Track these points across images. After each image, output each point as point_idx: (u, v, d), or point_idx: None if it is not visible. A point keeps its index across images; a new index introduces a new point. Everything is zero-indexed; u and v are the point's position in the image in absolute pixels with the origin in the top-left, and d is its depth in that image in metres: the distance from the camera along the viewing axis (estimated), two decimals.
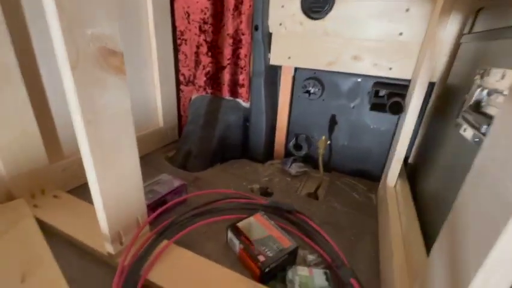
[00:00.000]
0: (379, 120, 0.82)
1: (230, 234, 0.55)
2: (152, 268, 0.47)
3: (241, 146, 1.00)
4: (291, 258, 0.52)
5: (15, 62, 0.54)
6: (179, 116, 1.11)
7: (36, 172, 0.63)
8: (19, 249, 0.47)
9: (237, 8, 0.84)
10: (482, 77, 0.44)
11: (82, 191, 0.71)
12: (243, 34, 0.87)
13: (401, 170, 0.69)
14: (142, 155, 0.96)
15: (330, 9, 0.74)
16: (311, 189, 0.82)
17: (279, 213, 0.65)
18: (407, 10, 0.66)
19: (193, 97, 1.04)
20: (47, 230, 0.54)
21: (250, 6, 0.83)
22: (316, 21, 0.77)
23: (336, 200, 0.77)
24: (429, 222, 0.52)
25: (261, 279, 0.47)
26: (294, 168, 0.88)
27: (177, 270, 0.48)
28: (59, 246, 0.51)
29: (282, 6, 0.80)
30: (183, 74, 1.04)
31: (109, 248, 0.49)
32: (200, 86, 1.00)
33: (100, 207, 0.44)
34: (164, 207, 0.60)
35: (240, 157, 1.01)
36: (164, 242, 0.53)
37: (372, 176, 0.88)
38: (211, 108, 0.99)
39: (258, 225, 0.56)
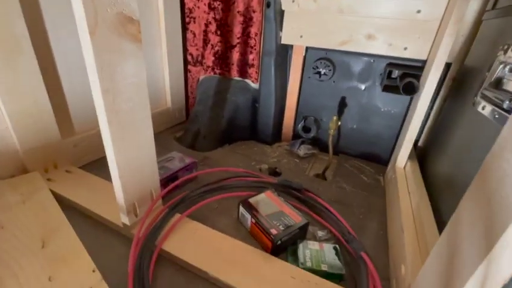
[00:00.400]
0: (390, 103, 0.81)
1: (242, 209, 0.56)
2: (167, 239, 0.49)
3: (249, 128, 1.00)
4: (301, 233, 0.53)
5: (26, 33, 0.54)
6: (187, 97, 1.11)
7: (49, 146, 0.63)
8: (37, 218, 0.49)
9: None
10: (505, 53, 0.43)
11: (93, 167, 0.72)
12: (254, 11, 0.84)
13: (411, 152, 0.69)
14: None
15: None
16: (319, 171, 0.83)
17: (288, 191, 0.66)
18: None
19: (201, 78, 1.03)
20: (61, 202, 0.55)
21: None
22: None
23: (344, 181, 0.77)
24: (441, 202, 0.53)
25: (273, 251, 0.49)
26: (303, 150, 0.88)
27: (191, 242, 0.49)
28: (74, 218, 0.52)
29: None
30: (191, 54, 1.03)
31: (124, 219, 0.50)
32: (208, 66, 0.99)
33: (117, 177, 0.44)
34: (176, 182, 0.61)
35: (248, 138, 1.01)
36: (177, 216, 0.54)
37: (381, 160, 0.88)
38: (220, 88, 0.98)
39: (269, 202, 0.57)
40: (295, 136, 0.98)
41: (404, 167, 0.70)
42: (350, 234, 0.52)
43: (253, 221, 0.53)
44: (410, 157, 0.70)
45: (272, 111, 0.94)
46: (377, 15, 0.71)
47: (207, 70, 1.00)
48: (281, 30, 0.84)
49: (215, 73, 0.99)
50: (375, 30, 0.73)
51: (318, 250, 0.50)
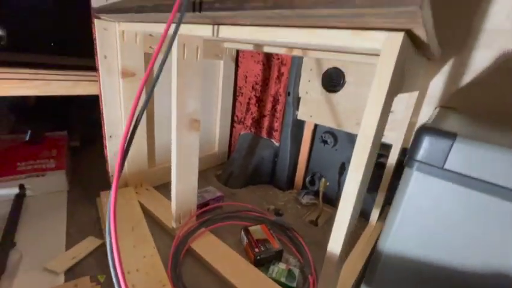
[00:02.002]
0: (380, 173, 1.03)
1: (242, 233, 0.85)
2: (194, 241, 0.81)
3: (270, 175, 1.31)
4: (277, 256, 0.79)
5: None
6: (230, 145, 1.49)
7: (140, 172, 1.06)
8: (130, 214, 0.87)
9: (278, 78, 1.19)
10: None
11: (161, 188, 1.12)
12: (280, 95, 1.20)
13: (381, 213, 0.89)
14: (200, 170, 1.36)
15: (341, 88, 1.02)
16: (313, 218, 1.06)
17: (280, 228, 0.93)
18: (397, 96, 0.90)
19: (242, 133, 1.42)
20: (142, 207, 0.94)
21: (287, 78, 1.16)
22: (331, 94, 1.05)
23: (330, 229, 0.99)
24: None
25: (255, 263, 0.76)
26: (305, 199, 1.14)
27: (207, 246, 0.80)
28: (147, 218, 0.90)
29: (309, 81, 1.11)
30: (237, 116, 1.43)
31: (173, 224, 0.84)
32: (247, 126, 1.37)
33: (174, 196, 0.80)
34: (206, 208, 0.95)
35: (268, 183, 1.31)
36: (203, 229, 0.86)
37: (366, 215, 1.06)
38: (252, 143, 1.33)
39: (261, 231, 0.85)
40: (305, 186, 1.25)
41: (375, 226, 0.90)
42: (309, 264, 0.76)
43: (247, 241, 0.82)
44: (380, 217, 0.90)
45: (287, 165, 1.24)
46: (363, 110, 0.98)
47: (246, 128, 1.39)
48: (297, 109, 1.18)
49: (251, 131, 1.36)
50: (361, 119, 1.00)
51: (284, 269, 0.75)
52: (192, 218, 0.88)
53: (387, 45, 0.36)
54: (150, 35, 0.93)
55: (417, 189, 0.38)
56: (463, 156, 0.34)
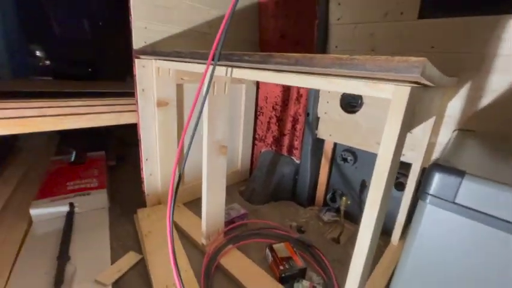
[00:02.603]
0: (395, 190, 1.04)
1: (267, 251, 0.91)
2: (223, 257, 0.87)
3: (290, 191, 1.36)
4: (300, 274, 0.83)
5: (175, 135, 1.09)
6: (252, 162, 1.56)
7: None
8: (165, 231, 0.96)
9: (297, 99, 1.26)
10: None
11: (190, 205, 1.20)
12: (299, 115, 1.26)
13: (402, 233, 0.91)
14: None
15: (359, 109, 1.06)
16: (335, 235, 1.09)
17: (303, 245, 0.97)
18: None
19: (263, 150, 1.48)
20: (175, 224, 1.02)
21: (305, 99, 1.22)
22: (350, 115, 1.10)
23: (353, 247, 1.02)
24: None
25: (279, 280, 0.81)
26: (327, 216, 1.17)
27: (235, 262, 0.86)
28: (179, 234, 0.98)
29: (327, 102, 1.16)
30: (258, 134, 1.51)
31: (203, 241, 0.92)
32: (268, 144, 1.44)
33: (204, 215, 0.88)
34: (233, 225, 1.02)
35: (289, 199, 1.35)
36: (230, 246, 0.93)
37: (389, 232, 1.07)
38: (273, 160, 1.39)
39: (285, 249, 0.90)
40: (326, 203, 1.28)
41: (397, 244, 0.92)
42: (333, 281, 0.79)
43: (272, 259, 0.87)
44: (401, 237, 0.91)
45: (307, 182, 1.28)
46: (381, 130, 1.01)
47: (267, 146, 1.45)
48: (317, 129, 1.23)
49: (272, 149, 1.42)
50: (380, 139, 1.03)
51: (307, 287, 0.79)
52: (220, 235, 0.95)
53: (397, 95, 0.41)
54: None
55: (430, 220, 0.41)
56: (471, 192, 0.37)
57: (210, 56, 0.59)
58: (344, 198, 1.03)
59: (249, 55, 0.52)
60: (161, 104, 1.01)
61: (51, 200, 1.04)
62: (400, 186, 0.90)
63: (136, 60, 0.91)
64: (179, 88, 1.06)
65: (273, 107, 1.38)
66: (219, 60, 0.59)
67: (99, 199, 1.12)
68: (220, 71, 0.69)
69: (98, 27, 2.25)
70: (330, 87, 0.47)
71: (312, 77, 0.49)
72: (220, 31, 0.58)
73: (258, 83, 1.42)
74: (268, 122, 1.42)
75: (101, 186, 1.17)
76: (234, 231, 1.01)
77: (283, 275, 0.80)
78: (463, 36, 0.79)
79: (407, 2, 0.86)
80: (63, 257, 0.81)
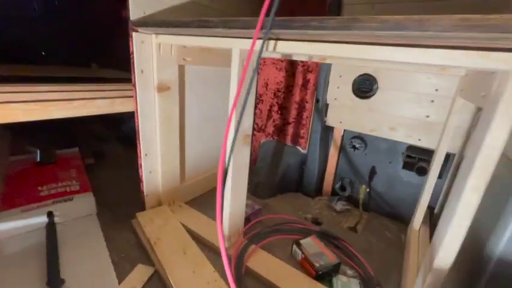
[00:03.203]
0: (411, 175, 1.05)
1: (295, 247, 0.84)
2: (249, 260, 0.78)
3: (296, 182, 1.30)
4: (335, 269, 0.78)
5: (177, 116, 0.95)
6: (250, 153, 1.47)
7: (173, 189, 1.01)
8: (177, 236, 0.83)
9: (304, 85, 1.19)
10: None
11: (193, 203, 1.07)
12: (306, 102, 1.20)
13: (424, 217, 0.91)
14: None
15: (374, 94, 1.03)
16: (352, 224, 1.07)
17: (326, 238, 0.92)
18: (432, 101, 0.92)
19: (262, 141, 1.39)
20: (184, 227, 0.89)
21: (313, 84, 1.16)
22: (363, 100, 1.06)
23: (371, 235, 1.00)
24: None
25: (315, 278, 0.75)
26: (339, 205, 1.14)
27: (264, 263, 0.77)
28: (191, 236, 0.86)
29: (338, 87, 1.11)
30: (257, 124, 1.41)
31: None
32: (269, 133, 1.35)
33: (227, 216, 0.77)
34: (250, 223, 0.92)
35: (295, 191, 1.30)
36: (253, 246, 0.84)
37: (404, 219, 1.08)
38: (276, 151, 1.32)
39: (313, 244, 0.84)
40: (333, 192, 1.25)
41: (419, 230, 0.92)
42: (370, 274, 0.76)
43: (303, 256, 0.80)
44: (423, 221, 0.92)
45: (316, 172, 1.23)
46: (397, 115, 1.00)
47: (267, 136, 1.37)
48: (326, 116, 1.18)
49: (274, 139, 1.34)
50: (396, 125, 1.01)
51: (346, 282, 0.74)
52: (240, 236, 0.85)
53: None
54: (184, 46, 0.88)
55: None
56: None
57: (259, 24, 0.48)
58: (363, 186, 1.01)
59: (319, 20, 0.43)
60: (162, 88, 0.85)
61: (21, 210, 0.83)
62: (422, 171, 0.90)
63: (134, 34, 0.75)
64: (181, 70, 0.91)
65: (274, 94, 1.29)
66: (272, 29, 0.49)
67: (85, 204, 0.93)
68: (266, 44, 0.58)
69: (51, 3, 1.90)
70: (428, 59, 0.41)
71: (400, 49, 0.42)
72: None
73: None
74: (269, 110, 1.33)
75: (85, 188, 0.98)
76: (252, 229, 0.92)
77: (320, 272, 0.75)
78: None
79: None
80: (55, 282, 0.64)
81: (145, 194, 0.93)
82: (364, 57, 0.45)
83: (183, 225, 0.90)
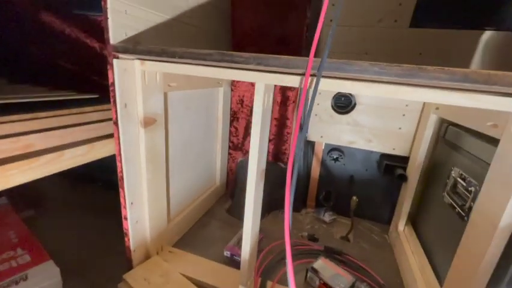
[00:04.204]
0: (385, 181, 1.16)
1: (310, 274, 0.82)
2: None
3: (281, 199, 1.29)
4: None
5: (164, 162, 0.81)
6: (227, 175, 1.39)
7: (161, 233, 0.86)
8: None
9: (283, 102, 1.18)
10: (454, 172, 0.79)
11: (180, 245, 0.94)
12: (287, 119, 1.20)
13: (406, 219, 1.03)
14: (208, 209, 1.21)
15: (352, 109, 1.10)
16: (342, 233, 1.12)
17: (333, 254, 0.94)
18: (404, 115, 1.04)
19: (240, 160, 1.33)
20: (189, 279, 0.77)
21: (293, 101, 1.17)
22: (342, 115, 1.12)
23: (362, 241, 1.08)
24: (433, 259, 0.84)
25: None
26: (327, 216, 1.19)
27: None
28: None
29: (318, 104, 1.15)
30: (232, 142, 1.34)
31: None
32: (247, 151, 1.30)
33: (247, 257, 0.70)
34: (260, 257, 0.87)
35: (281, 208, 1.29)
36: (270, 283, 0.79)
37: (382, 220, 1.20)
38: None
39: (326, 266, 0.84)
40: (318, 203, 1.29)
41: (403, 230, 1.03)
42: (384, 285, 0.81)
43: (322, 282, 0.79)
44: (406, 223, 1.03)
45: (300, 187, 1.25)
46: (373, 127, 1.10)
47: (245, 154, 1.31)
48: (307, 132, 1.20)
49: None
50: (372, 137, 1.11)
51: None
52: (255, 275, 0.79)
53: None
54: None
55: None
56: None
57: (310, 65, 0.44)
58: (353, 198, 1.06)
59: (380, 66, 0.42)
60: (148, 122, 0.71)
61: None
62: (404, 178, 1.01)
63: (115, 62, 0.60)
64: (165, 98, 0.78)
65: (250, 111, 1.25)
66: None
67: (46, 279, 0.71)
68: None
69: None
70: (476, 103, 0.44)
71: (446, 92, 0.45)
72: (320, 22, 0.44)
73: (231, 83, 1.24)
74: (246, 128, 1.28)
75: (39, 257, 0.74)
76: (262, 262, 0.87)
77: None
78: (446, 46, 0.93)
79: (401, 11, 0.93)
80: None
81: (132, 249, 0.76)
82: (425, 100, 0.46)
83: (185, 276, 0.78)
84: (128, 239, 0.75)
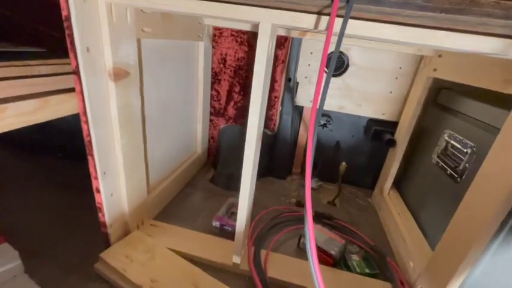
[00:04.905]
0: (370, 147, 1.16)
1: (303, 239, 0.81)
2: (268, 269, 0.70)
3: (266, 167, 1.24)
4: (345, 251, 0.80)
5: (140, 121, 0.69)
6: (209, 141, 1.29)
7: (140, 206, 0.77)
8: (175, 269, 0.65)
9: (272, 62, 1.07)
10: (447, 135, 0.79)
11: (162, 217, 0.87)
12: (275, 81, 1.10)
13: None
14: (189, 180, 1.12)
15: (344, 71, 1.04)
16: (329, 199, 1.12)
17: (321, 220, 0.93)
18: (396, 78, 1.01)
19: (222, 126, 1.24)
20: (176, 253, 0.71)
21: (282, 61, 1.07)
22: (334, 78, 1.06)
23: (348, 205, 1.09)
24: (418, 217, 0.87)
25: (332, 266, 0.75)
26: (313, 183, 1.17)
27: (284, 269, 0.71)
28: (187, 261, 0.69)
29: (309, 65, 1.07)
30: (213, 107, 1.22)
31: (235, 260, 0.69)
32: (229, 117, 1.21)
33: (243, 225, 0.65)
34: (252, 225, 0.82)
35: (265, 175, 1.25)
36: (264, 252, 0.75)
37: (365, 184, 1.22)
38: (241, 137, 1.19)
39: (317, 231, 0.83)
40: (304, 169, 1.27)
41: (388, 194, 1.05)
42: (375, 246, 0.82)
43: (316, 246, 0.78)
44: (391, 187, 1.05)
45: (287, 154, 1.20)
46: (364, 91, 1.06)
47: (228, 120, 1.22)
48: (296, 96, 1.12)
49: (236, 123, 1.21)
50: (363, 101, 1.07)
51: (359, 260, 0.78)
52: (249, 244, 0.75)
53: None
54: (142, 10, 0.61)
55: None
56: None
57: None
58: (342, 163, 1.04)
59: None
60: (120, 74, 0.58)
61: None
62: (393, 143, 1.00)
63: None
64: (138, 47, 0.64)
65: (235, 72, 1.13)
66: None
67: (3, 264, 0.59)
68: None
69: None
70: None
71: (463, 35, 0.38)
72: None
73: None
74: (229, 91, 1.17)
75: None
76: (253, 231, 0.83)
77: (338, 260, 0.75)
78: None
79: None
80: None
81: (108, 225, 0.66)
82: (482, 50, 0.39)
83: (173, 250, 0.72)
84: (103, 214, 0.65)
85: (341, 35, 0.40)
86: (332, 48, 0.43)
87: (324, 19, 0.44)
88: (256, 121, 0.54)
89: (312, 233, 0.43)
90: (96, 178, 0.60)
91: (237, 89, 1.15)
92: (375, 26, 0.42)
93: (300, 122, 1.20)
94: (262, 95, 0.53)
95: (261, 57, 0.49)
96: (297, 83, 1.11)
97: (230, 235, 0.79)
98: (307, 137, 0.40)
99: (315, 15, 0.44)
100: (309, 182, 0.45)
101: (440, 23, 0.37)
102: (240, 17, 0.47)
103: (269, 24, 0.46)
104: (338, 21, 0.42)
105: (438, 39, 0.40)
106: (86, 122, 0.54)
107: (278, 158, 1.22)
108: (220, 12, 0.47)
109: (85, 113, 0.53)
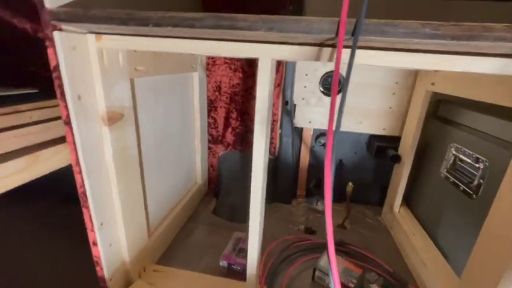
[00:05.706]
0: (374, 163, 1.14)
1: (318, 273, 0.75)
2: None
3: (269, 192, 1.20)
4: (363, 280, 0.75)
5: (137, 163, 0.65)
6: (208, 170, 1.25)
7: (141, 252, 0.71)
8: None
9: None
10: (453, 149, 0.77)
11: (164, 261, 0.81)
12: (273, 105, 1.09)
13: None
14: (192, 213, 1.07)
15: (341, 90, 1.03)
16: (338, 221, 1.07)
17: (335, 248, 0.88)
18: (394, 94, 1.00)
19: (221, 153, 1.20)
20: None
21: (278, 85, 1.06)
22: (330, 97, 1.05)
23: (358, 227, 1.04)
24: (436, 239, 0.83)
25: None
26: (320, 205, 1.13)
27: None
28: None
29: (305, 87, 1.06)
30: (211, 134, 1.19)
31: None
32: (228, 144, 1.18)
33: (255, 264, 0.60)
34: (262, 262, 0.77)
35: (270, 201, 1.20)
36: None
37: (372, 202, 1.18)
38: (243, 163, 1.16)
39: None
40: (308, 192, 1.23)
41: (399, 211, 1.01)
42: (394, 273, 0.77)
43: None
44: (401, 204, 1.02)
45: (290, 177, 1.17)
46: (364, 108, 1.04)
47: (227, 147, 1.19)
48: (294, 117, 1.11)
49: (235, 149, 1.18)
50: (363, 118, 1.06)
51: None
52: (262, 283, 0.69)
53: None
54: (134, 50, 0.59)
55: None
56: None
57: (342, 30, 0.33)
58: (349, 184, 1.01)
59: (433, 27, 0.33)
60: (113, 118, 0.55)
61: None
62: (397, 158, 0.98)
63: (57, 36, 0.42)
64: (132, 86, 0.62)
65: (231, 99, 1.12)
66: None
67: None
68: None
69: None
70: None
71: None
72: None
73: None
74: (226, 118, 1.15)
75: None
76: (264, 268, 0.77)
77: None
78: None
79: None
80: None
81: (107, 279, 0.61)
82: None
83: None
84: (101, 268, 0.59)
85: (349, 68, 0.38)
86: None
87: (326, 50, 0.42)
88: (261, 154, 0.51)
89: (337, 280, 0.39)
90: (92, 230, 0.55)
91: (234, 115, 1.13)
92: (379, 55, 0.41)
93: (300, 144, 1.17)
94: (267, 125, 0.51)
95: (262, 93, 0.47)
96: (295, 105, 1.10)
97: (239, 274, 0.74)
98: (325, 170, 0.37)
99: (317, 48, 0.43)
100: (330, 224, 0.41)
101: (449, 47, 0.35)
102: (244, 54, 0.45)
103: (269, 59, 0.44)
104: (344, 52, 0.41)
105: (448, 64, 0.38)
106: (80, 172, 0.50)
107: (281, 181, 1.19)
108: (226, 50, 0.46)
109: (77, 163, 0.50)
